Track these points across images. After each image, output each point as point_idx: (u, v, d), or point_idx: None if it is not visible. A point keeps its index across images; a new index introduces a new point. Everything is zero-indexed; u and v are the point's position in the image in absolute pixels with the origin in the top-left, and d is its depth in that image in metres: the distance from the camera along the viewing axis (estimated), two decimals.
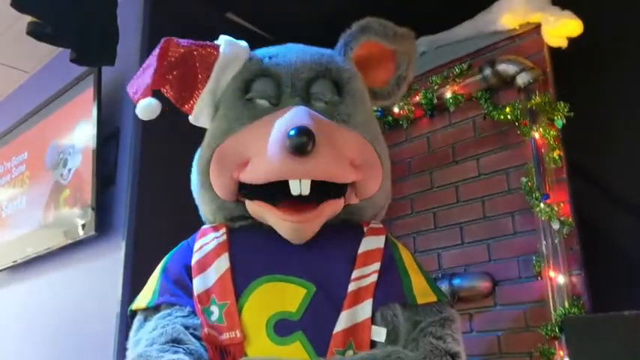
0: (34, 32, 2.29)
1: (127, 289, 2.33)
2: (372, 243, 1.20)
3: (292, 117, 1.12)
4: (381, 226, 1.27)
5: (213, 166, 1.21)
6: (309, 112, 1.15)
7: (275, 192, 1.12)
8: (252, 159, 1.15)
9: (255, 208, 1.20)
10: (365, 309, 1.09)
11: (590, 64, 2.46)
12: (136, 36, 2.67)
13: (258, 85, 1.25)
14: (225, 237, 1.20)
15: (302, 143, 1.04)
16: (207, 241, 1.21)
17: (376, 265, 1.15)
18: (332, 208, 1.18)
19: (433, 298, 1.17)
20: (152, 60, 1.26)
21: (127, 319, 1.22)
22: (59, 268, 2.76)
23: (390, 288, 1.14)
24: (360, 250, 1.17)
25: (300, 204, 1.13)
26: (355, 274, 1.13)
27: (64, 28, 2.33)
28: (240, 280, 1.12)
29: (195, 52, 1.25)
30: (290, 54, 1.28)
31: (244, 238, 1.22)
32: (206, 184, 1.24)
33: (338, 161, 1.13)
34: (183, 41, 1.27)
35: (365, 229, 1.24)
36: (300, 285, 1.11)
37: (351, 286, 1.11)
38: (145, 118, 1.23)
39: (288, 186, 1.10)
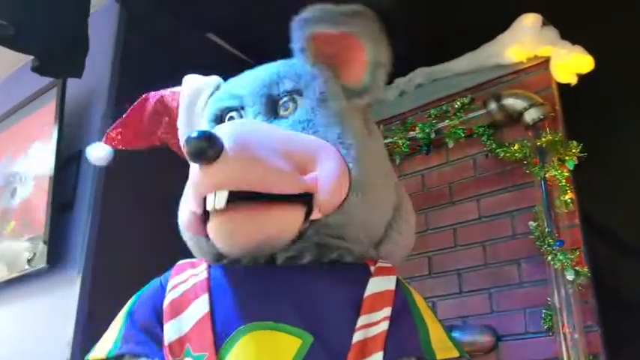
0: None
1: (80, 330, 2.03)
2: (381, 284, 0.98)
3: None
4: (390, 265, 1.05)
5: (182, 199, 1.09)
6: (242, 122, 1.08)
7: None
8: None
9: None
10: None
11: (599, 103, 2.31)
12: (108, 50, 2.43)
13: (226, 110, 1.16)
14: (205, 274, 1.01)
15: (199, 148, 0.88)
16: (183, 279, 1.03)
17: (387, 311, 0.94)
18: (282, 216, 0.96)
19: (454, 354, 0.98)
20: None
21: None
22: (2, 305, 2.41)
23: (405, 339, 0.94)
24: (367, 292, 0.96)
25: None
26: (362, 321, 0.92)
27: (27, 32, 2.08)
28: (222, 327, 0.93)
29: (165, 97, 1.28)
30: (251, 74, 1.17)
31: (228, 275, 1.02)
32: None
33: (259, 167, 0.92)
34: (154, 93, 1.30)
35: (372, 268, 1.02)
36: (294, 334, 0.90)
37: (357, 336, 0.90)
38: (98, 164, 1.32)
39: None
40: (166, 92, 1.27)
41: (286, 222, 0.96)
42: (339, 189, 0.98)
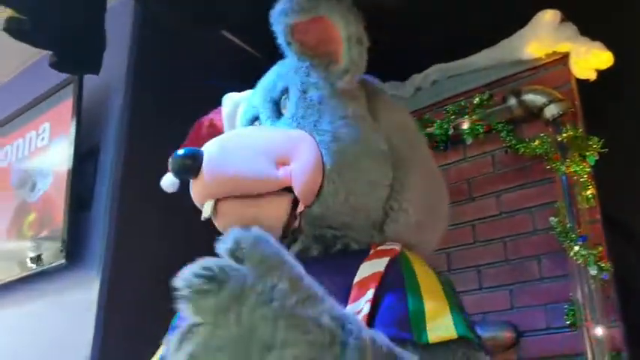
0: (11, 29, 2.01)
1: (100, 328, 2.01)
2: (371, 268, 0.92)
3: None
4: (394, 246, 0.98)
5: None
6: (228, 133, 1.14)
7: None
8: None
9: None
10: None
11: (618, 99, 2.30)
12: (124, 46, 2.42)
13: (251, 119, 1.19)
14: None
15: (178, 167, 0.97)
16: None
17: (369, 293, 0.87)
18: (267, 203, 0.99)
19: (451, 335, 0.82)
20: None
21: None
22: (19, 303, 2.39)
23: (391, 320, 0.84)
24: (356, 279, 0.91)
25: None
26: (361, 310, 0.86)
27: (45, 27, 2.06)
28: None
29: (214, 119, 1.33)
30: (262, 80, 1.19)
31: None
32: None
33: (232, 177, 0.97)
34: (206, 117, 1.36)
35: (371, 252, 0.98)
36: None
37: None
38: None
39: None
40: (214, 114, 1.31)
41: (272, 208, 0.98)
42: (311, 179, 0.98)
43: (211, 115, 1.32)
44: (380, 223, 1.04)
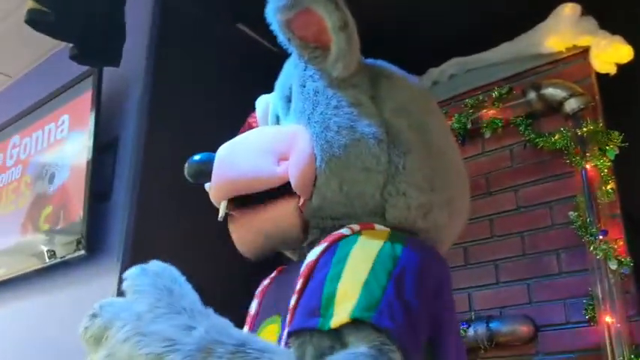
0: (34, 20, 2.03)
1: None
2: (309, 256, 0.91)
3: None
4: (343, 231, 0.94)
5: None
6: (239, 136, 1.13)
7: None
8: None
9: None
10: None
11: (638, 93, 2.29)
12: (143, 39, 2.42)
13: (276, 118, 1.21)
14: (267, 282, 1.11)
15: (196, 171, 1.05)
16: (259, 289, 1.13)
17: (299, 284, 0.87)
18: (272, 210, 1.02)
19: (344, 318, 0.75)
20: None
21: None
22: (38, 295, 2.41)
23: (303, 310, 0.82)
24: (302, 268, 0.90)
25: None
26: (292, 301, 0.88)
27: (68, 19, 2.07)
28: (258, 324, 1.04)
29: (250, 122, 1.33)
30: (278, 78, 1.20)
31: (278, 278, 1.11)
32: None
33: (234, 178, 1.02)
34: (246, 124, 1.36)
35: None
36: (277, 322, 0.97)
37: (289, 318, 0.87)
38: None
39: None
40: (250, 118, 1.31)
41: (278, 214, 1.00)
42: (303, 172, 0.98)
43: (249, 119, 1.33)
44: (381, 210, 1.01)
